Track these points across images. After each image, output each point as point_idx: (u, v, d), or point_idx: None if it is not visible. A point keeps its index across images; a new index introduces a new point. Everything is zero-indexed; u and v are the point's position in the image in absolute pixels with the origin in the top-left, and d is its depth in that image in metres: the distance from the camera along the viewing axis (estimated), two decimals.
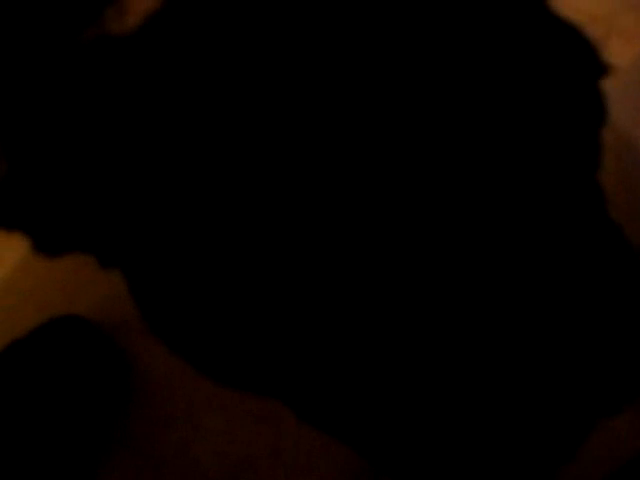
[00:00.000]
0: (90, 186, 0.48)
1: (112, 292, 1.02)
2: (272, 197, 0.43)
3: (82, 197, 0.49)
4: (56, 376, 0.93)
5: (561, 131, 0.47)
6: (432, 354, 0.41)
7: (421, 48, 0.44)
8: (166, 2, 0.46)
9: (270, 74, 0.42)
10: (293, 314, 0.43)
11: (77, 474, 0.93)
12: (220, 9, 0.43)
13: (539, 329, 0.42)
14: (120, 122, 0.45)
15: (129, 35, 0.45)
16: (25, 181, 0.49)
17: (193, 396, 0.99)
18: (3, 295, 1.05)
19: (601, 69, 0.53)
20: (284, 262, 0.43)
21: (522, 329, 0.42)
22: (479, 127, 0.44)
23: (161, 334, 0.53)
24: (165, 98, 0.44)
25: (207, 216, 0.45)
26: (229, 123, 0.43)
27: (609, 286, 0.45)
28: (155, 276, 0.50)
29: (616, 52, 1.11)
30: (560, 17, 0.52)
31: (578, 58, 0.51)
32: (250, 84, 0.43)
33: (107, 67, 0.45)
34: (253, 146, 0.43)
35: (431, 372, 0.41)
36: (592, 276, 0.45)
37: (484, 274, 0.42)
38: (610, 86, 1.07)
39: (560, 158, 0.47)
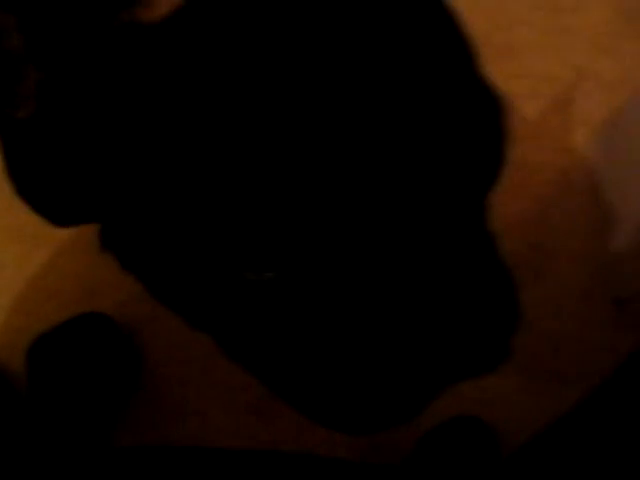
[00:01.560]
0: (99, 147, 0.52)
1: (131, 292, 1.09)
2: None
3: (90, 153, 0.53)
4: (78, 365, 1.00)
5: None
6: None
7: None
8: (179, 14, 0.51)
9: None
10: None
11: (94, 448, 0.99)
12: (234, 15, 0.50)
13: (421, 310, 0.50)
14: (133, 100, 0.50)
15: (153, 25, 0.50)
16: (47, 125, 0.53)
17: (203, 391, 1.05)
18: (30, 292, 1.11)
19: (502, 134, 0.58)
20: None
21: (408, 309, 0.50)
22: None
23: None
24: (173, 85, 0.50)
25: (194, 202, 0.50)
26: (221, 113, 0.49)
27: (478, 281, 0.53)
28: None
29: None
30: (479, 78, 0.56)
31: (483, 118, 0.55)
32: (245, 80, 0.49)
33: (132, 50, 0.50)
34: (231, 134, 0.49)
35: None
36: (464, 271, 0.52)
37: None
38: (590, 137, 1.13)
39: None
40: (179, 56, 0.50)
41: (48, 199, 0.57)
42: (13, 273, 1.12)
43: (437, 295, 0.51)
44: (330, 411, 0.54)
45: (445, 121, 0.52)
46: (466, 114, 0.54)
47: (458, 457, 0.96)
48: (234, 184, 0.49)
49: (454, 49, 0.57)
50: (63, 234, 1.10)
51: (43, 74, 0.52)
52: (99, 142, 0.52)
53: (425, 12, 0.56)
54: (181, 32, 0.50)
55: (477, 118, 0.55)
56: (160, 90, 0.50)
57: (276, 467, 0.90)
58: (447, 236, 0.53)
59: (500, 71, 1.25)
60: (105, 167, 0.53)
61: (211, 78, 0.50)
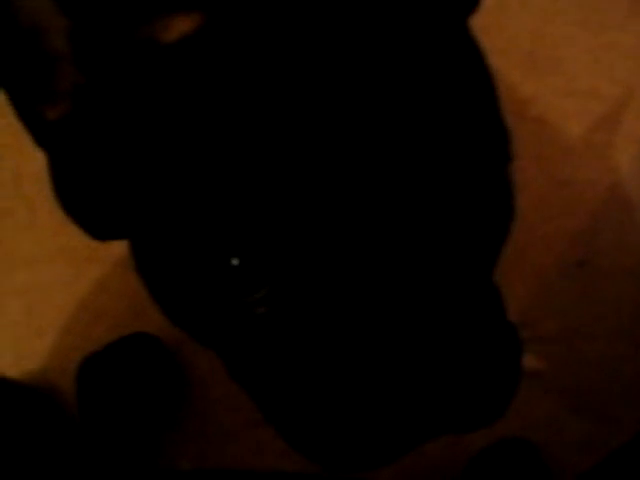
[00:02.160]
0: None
1: None
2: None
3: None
4: (127, 386, 1.02)
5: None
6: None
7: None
8: (205, 28, 0.51)
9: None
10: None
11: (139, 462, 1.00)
12: (249, 45, 0.49)
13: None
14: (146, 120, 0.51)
15: (171, 46, 0.50)
16: (81, 126, 0.53)
17: (249, 412, 1.05)
18: (80, 313, 1.13)
19: (507, 157, 0.57)
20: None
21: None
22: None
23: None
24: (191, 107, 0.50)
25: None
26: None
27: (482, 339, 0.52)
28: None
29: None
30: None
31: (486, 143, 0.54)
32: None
33: (148, 69, 0.51)
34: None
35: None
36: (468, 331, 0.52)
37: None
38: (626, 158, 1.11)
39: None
40: (197, 79, 0.50)
41: (82, 207, 0.57)
42: (64, 294, 1.14)
43: (437, 343, 0.52)
44: (313, 441, 0.54)
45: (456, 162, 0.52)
46: (477, 158, 0.53)
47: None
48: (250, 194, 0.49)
49: (477, 85, 0.56)
50: (114, 255, 1.12)
51: (84, 78, 0.52)
52: (126, 153, 0.52)
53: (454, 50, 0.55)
54: (199, 56, 0.50)
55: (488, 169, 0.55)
56: (177, 114, 0.50)
57: None
58: (451, 290, 0.53)
59: (546, 88, 1.25)
60: (131, 180, 0.53)
61: (231, 101, 0.50)
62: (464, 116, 0.52)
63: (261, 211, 0.49)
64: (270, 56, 0.50)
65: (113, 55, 0.52)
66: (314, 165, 0.48)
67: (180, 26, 0.51)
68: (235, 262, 0.50)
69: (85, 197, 0.57)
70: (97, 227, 0.58)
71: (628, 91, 1.20)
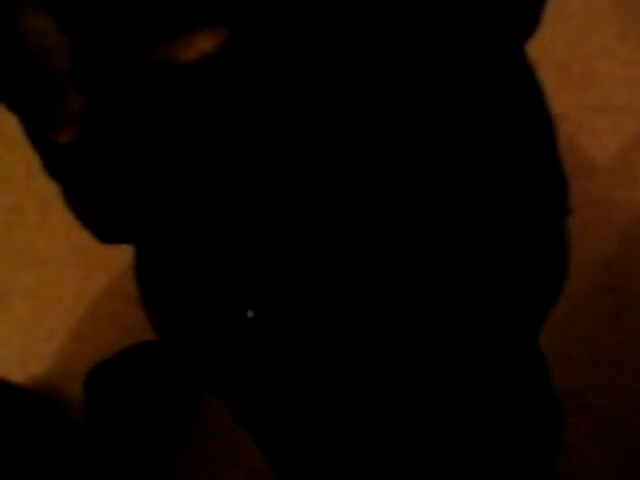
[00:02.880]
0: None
1: None
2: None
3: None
4: (137, 395, 0.98)
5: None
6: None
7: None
8: (226, 49, 0.47)
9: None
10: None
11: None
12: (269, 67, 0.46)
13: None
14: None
15: (191, 66, 0.47)
16: (91, 150, 0.52)
17: None
18: (91, 317, 1.10)
19: (564, 209, 0.54)
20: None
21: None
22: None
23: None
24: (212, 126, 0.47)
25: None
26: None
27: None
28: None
29: None
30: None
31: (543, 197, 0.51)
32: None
33: (165, 90, 0.48)
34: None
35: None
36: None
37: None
38: None
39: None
40: (218, 104, 0.47)
41: (90, 213, 0.56)
42: (73, 296, 1.10)
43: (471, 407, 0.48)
44: None
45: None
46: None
47: None
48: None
49: (536, 123, 0.53)
50: (126, 259, 1.08)
51: (92, 102, 0.50)
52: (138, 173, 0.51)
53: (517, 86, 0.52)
54: (221, 75, 0.47)
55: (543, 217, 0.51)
56: (198, 133, 0.47)
57: None
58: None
59: (580, 102, 1.21)
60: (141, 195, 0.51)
61: (254, 125, 0.47)
62: (517, 156, 0.49)
63: (268, 226, 0.46)
64: (298, 77, 0.46)
65: (122, 77, 0.49)
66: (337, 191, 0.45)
67: (202, 44, 0.47)
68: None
69: (93, 205, 0.55)
70: (105, 230, 0.56)
71: None
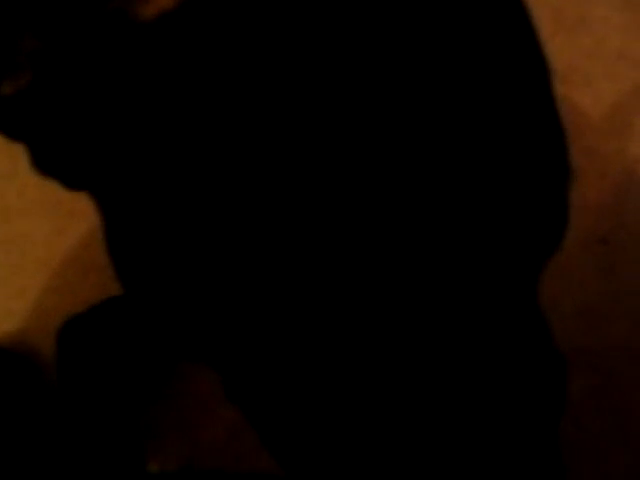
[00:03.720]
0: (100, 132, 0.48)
1: None
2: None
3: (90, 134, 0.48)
4: (112, 351, 0.95)
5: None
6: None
7: None
8: (185, 6, 0.44)
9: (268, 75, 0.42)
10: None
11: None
12: (234, 18, 0.42)
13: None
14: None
15: (149, 23, 0.44)
16: (43, 97, 0.48)
17: None
18: (65, 269, 1.06)
19: (567, 174, 0.51)
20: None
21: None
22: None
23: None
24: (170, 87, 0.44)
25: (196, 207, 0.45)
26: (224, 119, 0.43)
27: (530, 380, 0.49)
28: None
29: None
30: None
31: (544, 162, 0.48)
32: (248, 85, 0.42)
33: (123, 47, 0.44)
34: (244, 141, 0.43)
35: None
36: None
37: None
38: None
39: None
40: (177, 59, 0.44)
41: (49, 157, 0.53)
42: (45, 249, 1.06)
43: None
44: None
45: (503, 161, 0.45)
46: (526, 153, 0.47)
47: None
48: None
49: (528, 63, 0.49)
50: None
51: (40, 43, 0.46)
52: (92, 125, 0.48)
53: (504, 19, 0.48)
54: (182, 34, 0.44)
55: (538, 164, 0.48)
56: (155, 91, 0.45)
57: None
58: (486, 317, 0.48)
59: (573, 48, 1.17)
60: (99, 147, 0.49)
61: (212, 91, 0.44)
62: (507, 109, 0.46)
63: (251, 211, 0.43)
64: (256, 37, 0.43)
65: (78, 22, 0.45)
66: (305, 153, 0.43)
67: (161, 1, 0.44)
68: None
69: (48, 153, 0.53)
70: (67, 177, 0.54)
71: None
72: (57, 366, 0.94)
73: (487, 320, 0.46)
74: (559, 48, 1.19)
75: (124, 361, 0.94)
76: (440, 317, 0.45)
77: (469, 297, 0.46)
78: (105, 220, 0.52)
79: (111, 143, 0.47)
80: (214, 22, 0.43)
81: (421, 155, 0.44)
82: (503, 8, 0.50)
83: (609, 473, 0.93)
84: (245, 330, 0.48)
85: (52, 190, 1.02)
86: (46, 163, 0.53)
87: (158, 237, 0.49)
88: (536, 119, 0.49)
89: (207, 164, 0.44)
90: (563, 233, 0.52)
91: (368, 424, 0.45)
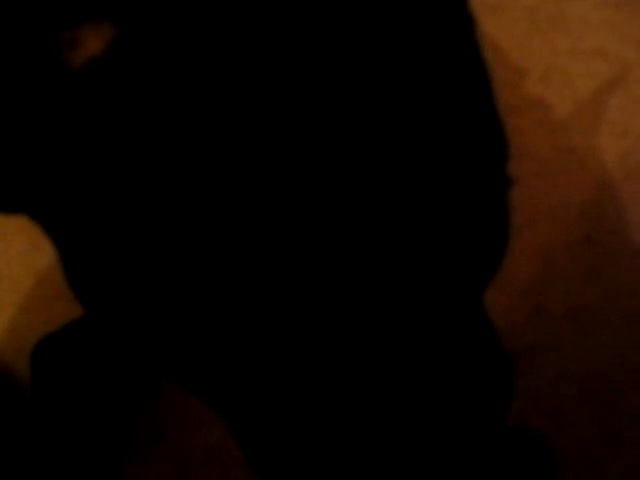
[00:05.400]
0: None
1: None
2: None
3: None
4: (86, 369, 0.92)
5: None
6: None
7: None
8: (119, 45, 0.42)
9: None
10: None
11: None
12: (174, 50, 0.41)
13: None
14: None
15: (77, 72, 0.42)
16: None
17: None
18: (39, 289, 1.04)
19: (506, 182, 0.51)
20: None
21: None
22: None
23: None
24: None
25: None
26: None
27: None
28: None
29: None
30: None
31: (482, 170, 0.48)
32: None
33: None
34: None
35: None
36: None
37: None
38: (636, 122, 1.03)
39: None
40: (107, 105, 0.43)
41: None
42: (20, 268, 1.04)
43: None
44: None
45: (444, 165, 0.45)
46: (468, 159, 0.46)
47: (510, 473, 0.87)
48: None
49: (469, 68, 0.48)
50: None
51: None
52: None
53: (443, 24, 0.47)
54: (111, 79, 0.42)
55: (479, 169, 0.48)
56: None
57: None
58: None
59: (550, 48, 1.16)
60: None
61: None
62: (456, 114, 0.45)
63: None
64: (187, 82, 0.42)
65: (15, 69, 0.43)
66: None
67: (88, 45, 0.42)
68: None
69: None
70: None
71: (638, 51, 1.11)
72: (31, 385, 0.92)
73: (432, 323, 0.46)
74: (536, 48, 1.18)
75: (98, 379, 0.92)
76: (386, 319, 0.45)
77: (411, 301, 0.45)
78: (62, 254, 0.50)
79: (56, 176, 0.46)
80: (142, 67, 0.42)
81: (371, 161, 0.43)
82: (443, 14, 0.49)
83: (603, 475, 0.90)
84: (216, 342, 0.47)
85: None
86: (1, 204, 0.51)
87: (116, 254, 0.47)
88: (475, 126, 0.48)
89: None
90: (505, 240, 0.52)
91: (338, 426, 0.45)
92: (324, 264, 0.42)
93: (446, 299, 0.47)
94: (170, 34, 0.42)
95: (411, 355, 0.45)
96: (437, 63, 0.45)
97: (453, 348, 0.47)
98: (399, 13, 0.44)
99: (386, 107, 0.42)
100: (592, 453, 0.91)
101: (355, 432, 0.45)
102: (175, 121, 0.42)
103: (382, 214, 0.43)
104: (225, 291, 0.44)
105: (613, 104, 1.08)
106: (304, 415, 0.45)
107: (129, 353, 0.95)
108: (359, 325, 0.44)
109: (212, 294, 0.45)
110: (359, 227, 0.43)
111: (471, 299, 0.50)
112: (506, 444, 0.90)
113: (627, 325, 0.96)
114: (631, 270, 1.00)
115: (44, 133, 0.43)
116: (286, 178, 0.42)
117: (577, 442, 0.92)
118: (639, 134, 1.07)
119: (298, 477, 0.47)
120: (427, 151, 0.44)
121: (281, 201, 0.42)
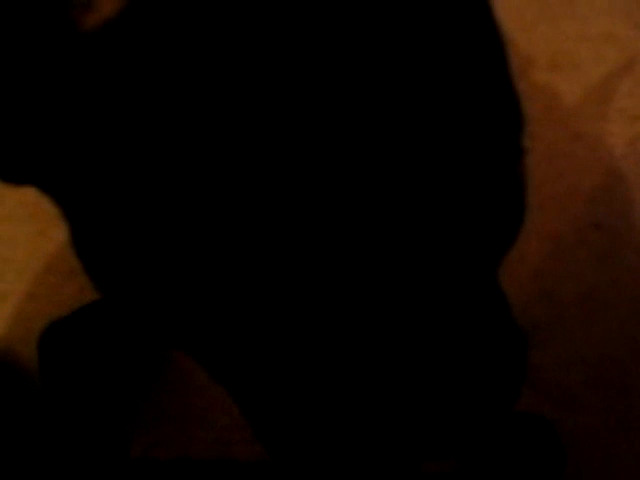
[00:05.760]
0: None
1: None
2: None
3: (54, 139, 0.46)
4: (94, 355, 0.92)
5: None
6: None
7: None
8: (127, 14, 0.42)
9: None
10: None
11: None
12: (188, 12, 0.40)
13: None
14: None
15: (96, 32, 0.42)
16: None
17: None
18: (46, 275, 1.03)
19: (520, 151, 0.51)
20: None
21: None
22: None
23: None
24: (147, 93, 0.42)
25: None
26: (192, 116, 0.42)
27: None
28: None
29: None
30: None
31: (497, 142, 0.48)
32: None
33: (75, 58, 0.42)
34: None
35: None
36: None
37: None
38: None
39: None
40: (121, 67, 0.42)
41: None
42: (27, 254, 1.03)
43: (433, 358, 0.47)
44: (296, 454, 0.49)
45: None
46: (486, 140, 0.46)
47: (520, 459, 0.87)
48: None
49: (485, 47, 0.48)
50: None
51: None
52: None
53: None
54: (125, 42, 0.42)
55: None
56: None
57: None
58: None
59: (559, 32, 1.15)
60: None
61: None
62: (468, 90, 0.44)
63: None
64: (199, 44, 0.41)
65: (26, 34, 0.42)
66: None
67: (104, 7, 0.41)
68: None
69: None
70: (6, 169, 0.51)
71: None
72: (39, 372, 0.92)
73: (450, 302, 0.47)
74: (545, 34, 1.17)
75: (106, 365, 0.92)
76: (402, 298, 0.45)
77: (430, 280, 0.45)
78: (73, 227, 0.50)
79: (68, 148, 0.46)
80: (156, 30, 0.42)
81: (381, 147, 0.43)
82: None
83: (613, 460, 0.90)
84: (228, 324, 0.47)
85: (33, 194, 1.00)
86: (7, 171, 0.51)
87: (133, 238, 0.47)
88: (490, 95, 0.48)
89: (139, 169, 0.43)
90: (521, 209, 0.52)
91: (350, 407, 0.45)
92: (344, 239, 0.42)
93: (463, 271, 0.47)
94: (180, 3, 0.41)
95: (427, 328, 0.45)
96: (453, 32, 0.44)
97: (470, 320, 0.47)
98: None
99: (402, 78, 0.42)
100: (601, 438, 0.91)
101: (370, 407, 0.45)
102: (181, 93, 0.41)
103: (398, 188, 0.43)
104: (234, 269, 0.44)
105: (622, 90, 1.08)
106: (317, 395, 0.45)
107: (136, 338, 0.95)
108: (375, 300, 0.43)
109: (218, 278, 0.45)
110: (374, 202, 0.42)
111: (488, 271, 0.50)
112: (516, 429, 0.90)
113: (635, 310, 0.96)
114: (639, 255, 1.00)
115: (52, 96, 0.43)
116: (304, 152, 0.41)
117: (586, 428, 0.92)
118: None
119: (308, 453, 0.47)
120: (442, 121, 0.43)
121: (297, 172, 0.42)
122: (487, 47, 0.47)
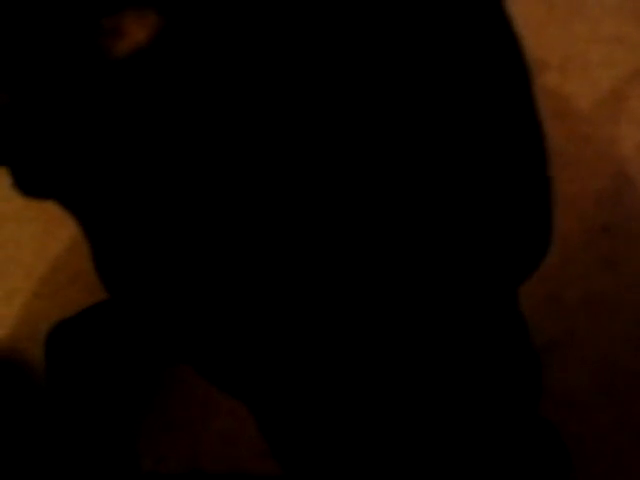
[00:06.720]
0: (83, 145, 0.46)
1: None
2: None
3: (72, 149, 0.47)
4: (101, 355, 0.92)
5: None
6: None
7: None
8: (163, 35, 0.42)
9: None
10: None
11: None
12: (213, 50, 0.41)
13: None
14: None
15: (128, 59, 0.42)
16: (23, 116, 0.46)
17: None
18: (52, 275, 1.03)
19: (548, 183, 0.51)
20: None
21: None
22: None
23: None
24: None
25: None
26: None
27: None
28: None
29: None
30: None
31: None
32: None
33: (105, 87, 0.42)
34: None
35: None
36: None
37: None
38: None
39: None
40: (151, 94, 0.43)
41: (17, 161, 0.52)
42: (33, 254, 1.04)
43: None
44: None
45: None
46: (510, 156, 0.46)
47: (524, 463, 0.86)
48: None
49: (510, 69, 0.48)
50: None
51: (7, 98, 0.45)
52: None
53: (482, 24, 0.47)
54: (156, 69, 0.42)
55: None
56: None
57: None
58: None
59: (568, 35, 1.15)
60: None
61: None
62: (490, 119, 0.44)
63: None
64: (231, 73, 0.42)
65: (57, 59, 0.43)
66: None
67: (133, 34, 0.41)
68: None
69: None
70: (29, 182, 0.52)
71: None
72: (46, 372, 0.92)
73: (469, 322, 0.46)
74: (554, 36, 1.17)
75: (113, 366, 0.92)
76: (424, 317, 0.44)
77: (451, 300, 0.45)
78: (89, 237, 0.50)
79: (90, 165, 0.46)
80: (188, 58, 0.42)
81: (405, 160, 0.43)
82: (484, 14, 0.48)
83: (619, 466, 0.90)
84: (234, 331, 0.47)
85: None
86: (29, 186, 0.52)
87: (145, 243, 0.47)
88: (516, 129, 0.48)
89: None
90: (547, 242, 0.52)
91: (362, 420, 0.45)
92: (354, 249, 0.42)
93: (484, 294, 0.47)
94: (213, 28, 0.41)
95: (444, 347, 0.45)
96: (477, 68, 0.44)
97: (488, 342, 0.47)
98: None
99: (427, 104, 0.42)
100: (606, 443, 0.90)
101: (384, 424, 0.45)
102: (209, 122, 0.42)
103: (421, 216, 0.43)
104: (239, 275, 0.44)
105: (632, 93, 1.07)
106: (333, 404, 0.45)
107: (143, 340, 0.95)
108: (388, 313, 0.43)
109: (222, 285, 0.45)
110: (394, 223, 0.42)
111: (508, 295, 0.50)
112: (521, 432, 0.90)
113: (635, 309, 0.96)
114: None
115: (80, 120, 0.43)
116: (314, 154, 0.41)
117: (591, 432, 0.91)
118: None
119: (322, 468, 0.47)
120: (468, 155, 0.43)
121: (304, 176, 0.42)
122: (512, 76, 0.47)
